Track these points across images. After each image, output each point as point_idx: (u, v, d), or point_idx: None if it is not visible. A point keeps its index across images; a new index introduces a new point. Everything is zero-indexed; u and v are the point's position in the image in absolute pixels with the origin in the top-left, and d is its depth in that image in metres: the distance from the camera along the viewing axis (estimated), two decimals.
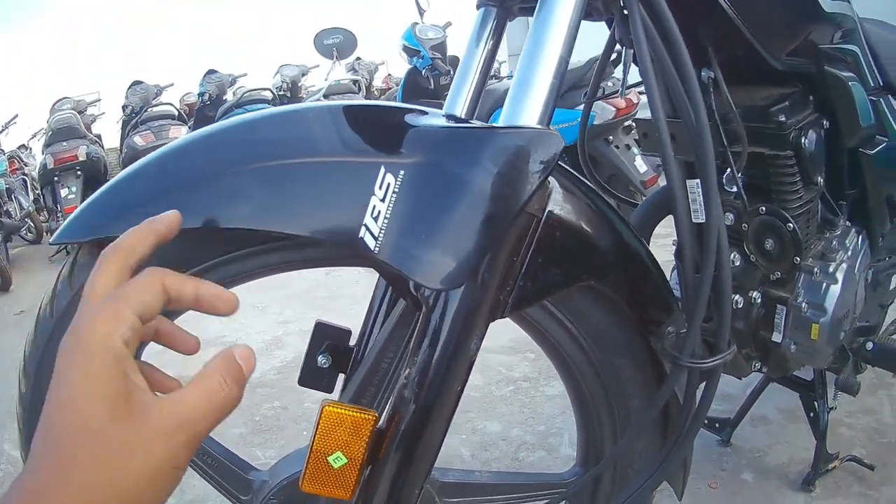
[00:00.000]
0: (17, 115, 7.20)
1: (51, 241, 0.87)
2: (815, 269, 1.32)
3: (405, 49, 5.24)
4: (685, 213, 0.83)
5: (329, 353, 0.96)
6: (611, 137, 3.70)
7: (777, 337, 1.38)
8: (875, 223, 1.46)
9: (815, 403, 1.74)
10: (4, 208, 5.97)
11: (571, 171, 0.89)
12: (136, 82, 7.51)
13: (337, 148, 0.75)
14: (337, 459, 0.75)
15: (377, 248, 0.69)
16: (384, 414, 0.83)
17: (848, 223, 1.42)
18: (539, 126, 0.74)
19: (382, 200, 0.69)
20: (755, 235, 1.29)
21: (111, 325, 0.45)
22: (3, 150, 6.80)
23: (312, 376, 0.96)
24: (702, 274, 0.81)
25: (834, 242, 1.36)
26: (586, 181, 0.90)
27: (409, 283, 0.82)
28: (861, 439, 1.96)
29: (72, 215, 0.81)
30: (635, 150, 3.69)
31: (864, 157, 1.32)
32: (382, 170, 0.70)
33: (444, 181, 0.70)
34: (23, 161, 7.05)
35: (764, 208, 1.25)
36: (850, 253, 1.37)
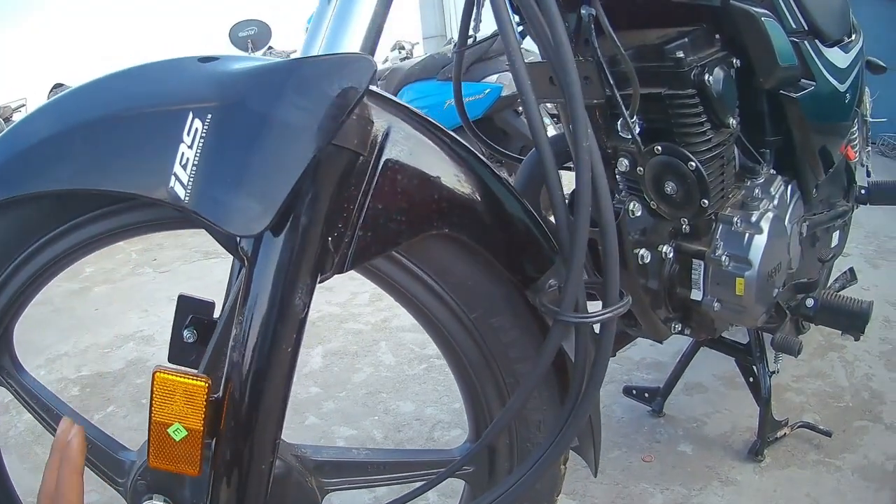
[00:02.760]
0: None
1: None
2: (735, 220, 1.24)
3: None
4: (549, 157, 0.76)
5: (194, 328, 0.91)
6: (520, 108, 3.65)
7: (697, 295, 1.30)
8: (806, 174, 1.40)
9: (754, 368, 1.67)
10: None
11: (426, 117, 0.83)
12: (58, 85, 7.32)
13: (147, 101, 0.73)
14: (177, 431, 0.71)
15: (187, 198, 0.67)
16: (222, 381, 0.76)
17: (773, 171, 1.35)
18: (349, 52, 0.70)
19: (190, 147, 0.68)
20: (653, 179, 1.20)
21: None
22: None
23: (179, 352, 0.92)
24: (576, 215, 0.74)
25: (756, 191, 1.29)
26: (441, 126, 0.83)
27: (234, 237, 0.75)
28: (813, 404, 1.90)
29: None
30: (547, 120, 3.64)
31: (787, 101, 1.25)
32: (190, 116, 0.68)
33: (248, 120, 0.67)
34: None
35: (659, 148, 1.16)
36: (776, 202, 1.29)
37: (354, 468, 0.95)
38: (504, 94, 3.51)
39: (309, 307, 0.72)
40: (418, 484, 0.92)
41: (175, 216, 0.83)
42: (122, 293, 3.43)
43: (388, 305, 2.94)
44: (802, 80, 1.28)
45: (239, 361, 0.72)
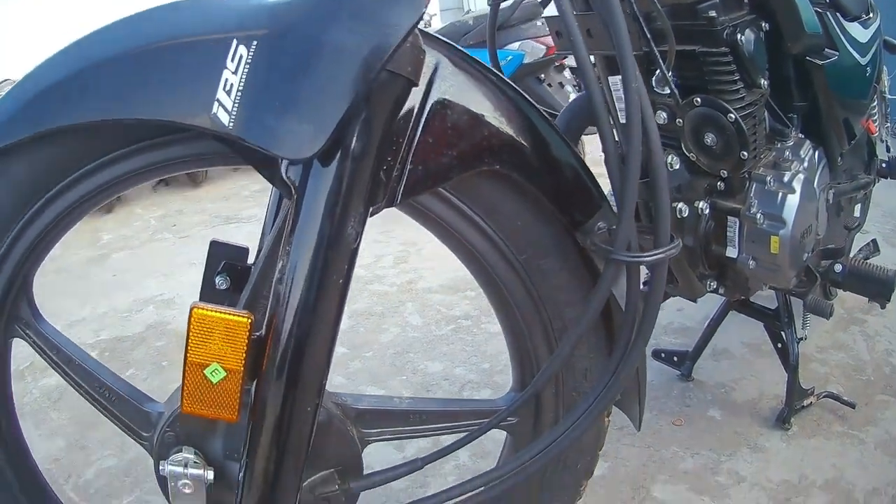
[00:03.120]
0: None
1: None
2: (769, 179, 1.24)
3: None
4: (599, 99, 0.75)
5: (227, 274, 0.88)
6: (542, 76, 3.63)
7: (732, 252, 1.30)
8: (832, 141, 1.40)
9: (783, 334, 1.65)
10: None
11: (473, 57, 0.81)
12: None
13: (187, 30, 0.72)
14: (215, 373, 0.68)
15: (231, 124, 0.66)
16: (265, 319, 0.73)
17: (801, 136, 1.35)
18: None
19: (235, 73, 0.66)
20: (693, 131, 1.20)
21: None
22: None
23: (211, 299, 0.88)
24: (628, 153, 0.73)
25: (787, 153, 1.29)
26: (487, 66, 0.81)
27: (278, 168, 0.73)
28: (836, 376, 1.87)
29: None
30: (569, 87, 3.64)
31: (813, 68, 1.26)
32: (234, 42, 0.67)
33: (299, 45, 0.66)
34: None
35: (698, 99, 1.16)
36: (805, 165, 1.29)
37: (396, 417, 0.93)
38: (526, 61, 3.46)
39: (360, 238, 0.70)
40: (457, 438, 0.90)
41: (212, 150, 0.80)
42: (141, 259, 3.39)
43: (413, 268, 2.92)
44: (826, 50, 1.30)
45: (285, 295, 0.70)
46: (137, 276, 3.11)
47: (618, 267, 0.78)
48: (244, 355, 0.67)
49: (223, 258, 0.88)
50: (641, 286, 0.82)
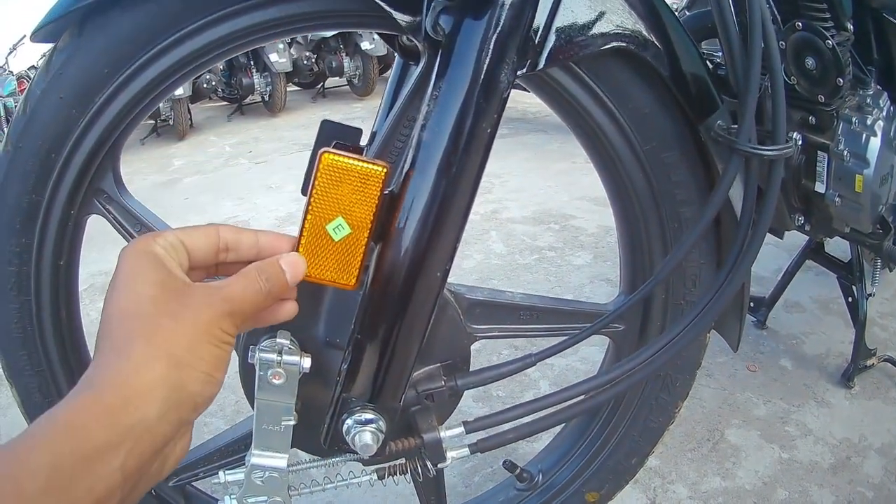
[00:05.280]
0: (24, 36, 7.04)
1: (31, 38, 0.76)
2: (854, 119, 1.27)
3: None
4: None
5: None
6: None
7: (820, 187, 1.32)
8: None
9: (854, 288, 1.67)
10: None
11: None
12: None
13: None
14: (339, 229, 0.61)
15: None
16: (396, 176, 0.69)
17: (879, 87, 1.34)
18: None
19: None
20: (794, 53, 1.22)
21: (149, 239, 0.53)
22: (11, 71, 6.67)
23: None
24: (750, 47, 0.74)
25: (868, 100, 1.29)
26: None
27: (413, 26, 0.69)
28: None
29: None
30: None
31: (889, 24, 1.26)
32: None
33: None
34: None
35: (800, 24, 1.18)
36: (884, 114, 1.30)
37: (507, 312, 0.91)
38: None
39: (510, 88, 0.66)
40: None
41: (350, 8, 0.75)
42: (215, 183, 3.33)
43: (497, 198, 2.90)
44: None
45: (430, 142, 0.65)
46: (211, 200, 3.06)
47: (739, 159, 0.77)
48: (374, 210, 0.61)
49: (334, 138, 0.81)
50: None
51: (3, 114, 5.83)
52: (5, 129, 5.60)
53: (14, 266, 0.81)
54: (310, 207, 0.60)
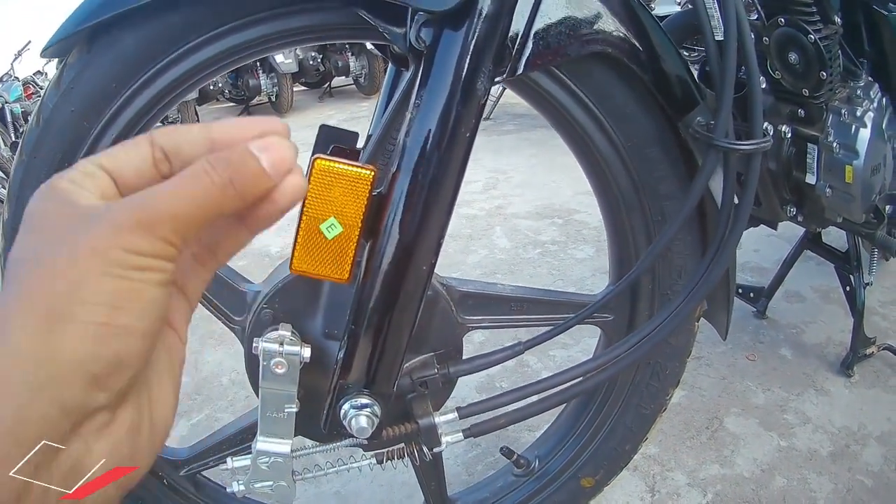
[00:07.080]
0: (30, 42, 7.09)
1: (41, 54, 0.81)
2: (843, 111, 1.30)
3: None
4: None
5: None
6: None
7: (811, 179, 1.35)
8: None
9: (851, 277, 1.68)
10: (21, 131, 5.93)
11: None
12: None
13: None
14: (331, 228, 0.64)
15: None
16: (386, 179, 0.73)
17: (870, 79, 1.37)
18: None
19: None
20: (777, 48, 1.25)
21: (56, 176, 0.38)
22: (17, 77, 6.70)
23: None
24: (725, 46, 0.78)
25: (859, 91, 1.32)
26: None
27: (402, 36, 0.74)
28: None
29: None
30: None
31: (880, 18, 1.29)
32: None
33: None
34: (38, 86, 6.95)
35: (783, 20, 1.21)
36: (875, 105, 1.33)
37: (497, 303, 0.95)
38: None
39: (488, 95, 0.70)
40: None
41: (334, 22, 0.79)
42: None
43: (501, 194, 2.93)
44: (890, 4, 1.30)
45: (413, 146, 0.69)
46: None
47: (717, 154, 0.81)
48: (364, 209, 0.65)
49: (332, 141, 0.87)
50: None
51: (9, 119, 5.88)
52: (12, 135, 5.67)
53: None
54: (304, 209, 0.64)
